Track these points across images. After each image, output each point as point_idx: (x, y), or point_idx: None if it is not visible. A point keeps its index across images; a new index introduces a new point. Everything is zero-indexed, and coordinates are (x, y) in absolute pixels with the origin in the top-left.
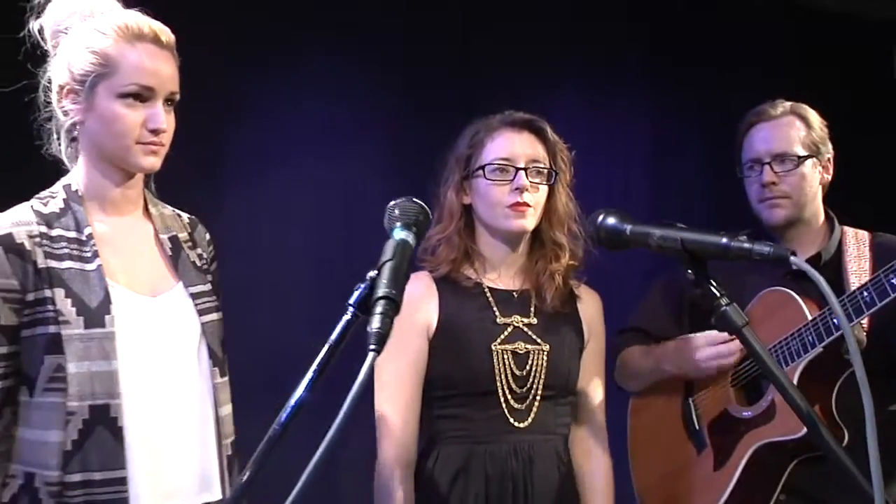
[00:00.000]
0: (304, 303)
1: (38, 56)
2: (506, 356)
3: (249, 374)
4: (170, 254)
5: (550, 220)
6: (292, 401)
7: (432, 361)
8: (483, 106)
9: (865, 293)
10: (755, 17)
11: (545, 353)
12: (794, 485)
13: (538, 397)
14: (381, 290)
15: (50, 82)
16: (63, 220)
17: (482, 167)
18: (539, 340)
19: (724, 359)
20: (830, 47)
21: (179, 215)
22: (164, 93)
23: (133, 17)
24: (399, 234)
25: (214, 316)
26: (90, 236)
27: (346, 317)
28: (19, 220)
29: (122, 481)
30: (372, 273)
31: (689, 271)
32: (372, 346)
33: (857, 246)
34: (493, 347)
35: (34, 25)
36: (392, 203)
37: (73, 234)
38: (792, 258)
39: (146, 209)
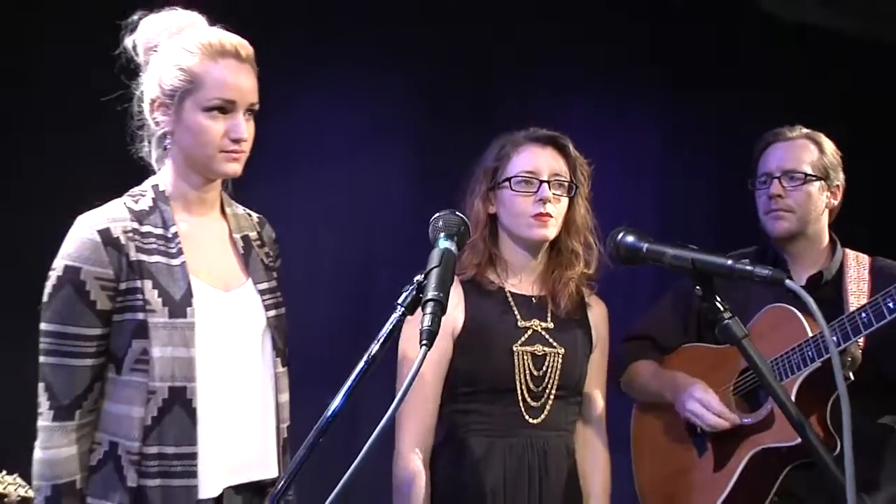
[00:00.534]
0: (323, 301)
1: (131, 69)
2: (525, 357)
3: None
4: (241, 252)
5: (569, 230)
6: (330, 410)
7: (457, 359)
8: (499, 114)
9: (864, 314)
10: (770, 36)
11: (560, 355)
12: (788, 489)
13: (552, 396)
14: (430, 293)
15: (142, 94)
16: (152, 217)
17: (508, 179)
18: (555, 344)
19: (705, 420)
20: (847, 70)
21: (250, 215)
22: (244, 105)
23: (216, 35)
24: (443, 243)
25: (277, 311)
26: (175, 234)
27: (396, 315)
28: (115, 217)
29: (193, 456)
30: (418, 277)
31: (697, 287)
32: (424, 342)
33: (857, 269)
34: (515, 349)
35: (128, 42)
36: (436, 215)
37: (160, 232)
38: (787, 282)
39: (222, 210)
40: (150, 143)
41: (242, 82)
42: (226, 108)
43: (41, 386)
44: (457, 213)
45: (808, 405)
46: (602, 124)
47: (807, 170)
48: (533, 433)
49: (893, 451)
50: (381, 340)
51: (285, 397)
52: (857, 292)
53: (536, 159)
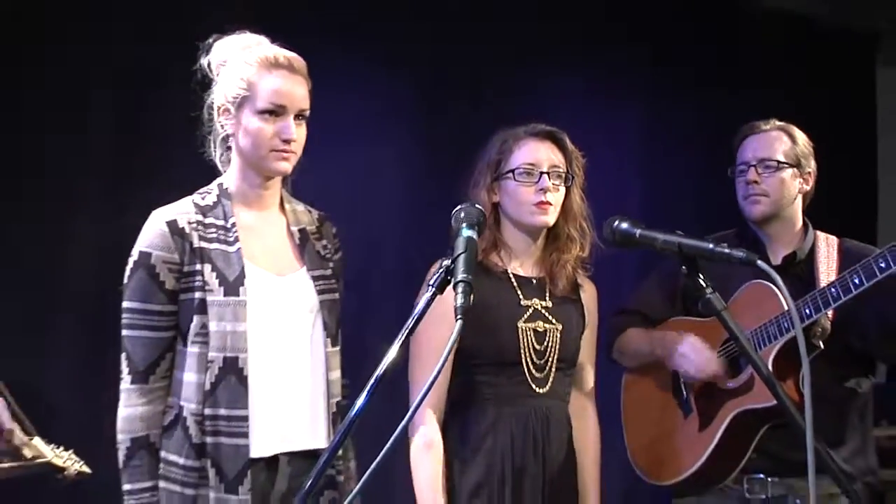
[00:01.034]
0: None
1: (205, 83)
2: (528, 333)
3: None
4: (297, 243)
5: (566, 217)
6: (355, 409)
7: (467, 335)
8: (490, 105)
9: (833, 289)
10: (750, 27)
11: (559, 331)
12: (764, 446)
13: (553, 369)
14: (461, 276)
15: (212, 103)
16: (215, 211)
17: (512, 171)
18: (553, 320)
19: (697, 367)
20: (819, 56)
21: (311, 211)
22: (294, 109)
23: (272, 50)
24: (466, 232)
25: (330, 296)
26: (233, 225)
27: (427, 295)
28: (182, 210)
29: (245, 419)
30: (446, 262)
31: (684, 267)
32: (459, 317)
33: (827, 249)
34: (519, 325)
35: (204, 60)
36: (458, 208)
37: (221, 223)
38: (759, 262)
39: (282, 206)
40: (215, 146)
41: (292, 90)
42: (277, 111)
43: (123, 355)
44: (476, 205)
45: (783, 371)
46: (587, 113)
47: (780, 158)
48: (537, 402)
49: (856, 409)
50: (415, 318)
51: (336, 375)
52: (827, 270)
53: (536, 152)
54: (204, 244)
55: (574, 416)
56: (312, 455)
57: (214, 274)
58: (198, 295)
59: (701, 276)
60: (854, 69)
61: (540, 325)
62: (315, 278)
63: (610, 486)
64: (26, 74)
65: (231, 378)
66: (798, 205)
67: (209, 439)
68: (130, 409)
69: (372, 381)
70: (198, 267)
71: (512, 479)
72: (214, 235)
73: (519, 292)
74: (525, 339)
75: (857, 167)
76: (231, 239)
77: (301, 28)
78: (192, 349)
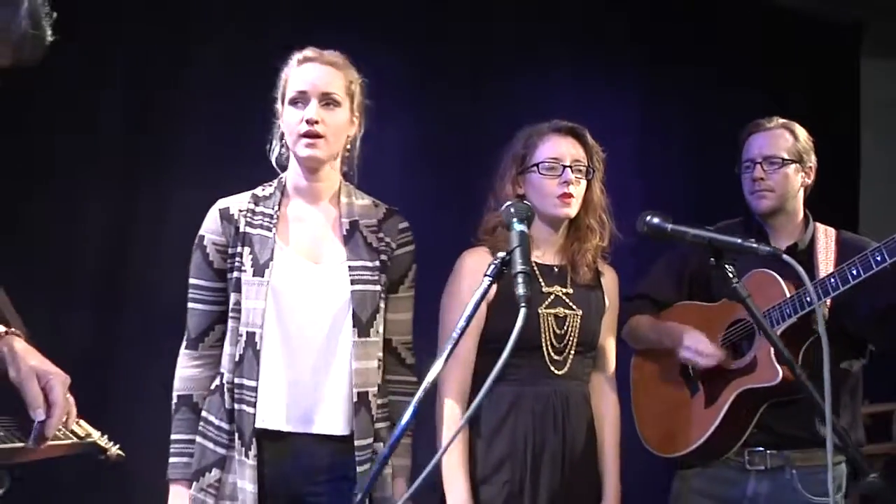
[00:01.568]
0: None
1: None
2: (549, 318)
3: None
4: (344, 234)
5: (586, 209)
6: (403, 421)
7: (491, 320)
8: (486, 92)
9: (832, 279)
10: (735, 19)
11: (578, 317)
12: (764, 422)
13: (572, 352)
14: (520, 267)
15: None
16: (268, 201)
17: (536, 164)
18: (574, 307)
19: (701, 357)
20: (803, 47)
21: (377, 205)
22: (316, 94)
23: (309, 50)
24: (518, 226)
25: (367, 287)
26: (277, 214)
27: (485, 284)
28: (238, 199)
29: (254, 389)
30: (502, 254)
31: (712, 259)
32: (523, 305)
33: (826, 240)
34: (540, 311)
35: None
36: (508, 203)
37: (269, 212)
38: (784, 256)
39: (338, 199)
40: (272, 148)
41: (315, 77)
42: (299, 99)
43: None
44: (525, 201)
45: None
46: (581, 105)
47: (784, 155)
48: (557, 383)
49: (848, 389)
50: (475, 305)
51: (362, 364)
52: (826, 260)
53: (560, 147)
54: (248, 229)
55: (594, 395)
56: (329, 440)
57: (251, 256)
58: (236, 274)
59: (728, 267)
60: (837, 60)
61: (560, 311)
62: (353, 268)
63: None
64: (36, 74)
65: (249, 351)
66: (800, 198)
67: (236, 406)
68: (181, 370)
69: (419, 393)
70: (239, 249)
71: (532, 458)
72: (259, 222)
73: (541, 280)
74: (546, 325)
75: (840, 156)
76: (270, 226)
77: (296, 18)
78: (230, 323)
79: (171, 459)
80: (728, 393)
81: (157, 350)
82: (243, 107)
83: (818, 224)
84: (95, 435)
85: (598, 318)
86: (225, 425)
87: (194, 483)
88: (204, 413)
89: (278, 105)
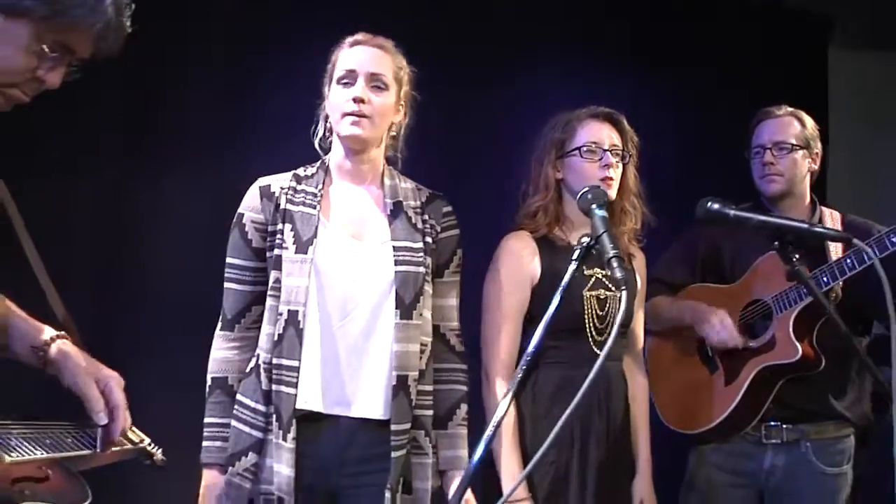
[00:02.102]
0: None
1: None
2: (592, 300)
3: None
4: (388, 214)
5: (622, 193)
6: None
7: (535, 304)
8: (473, 79)
9: (848, 260)
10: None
11: (618, 299)
12: (779, 397)
13: (613, 332)
14: (612, 252)
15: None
16: (311, 180)
17: (577, 148)
18: (613, 288)
19: (729, 336)
20: (774, 36)
21: (420, 189)
22: (363, 72)
23: (361, 34)
24: (599, 212)
25: (410, 268)
26: (320, 193)
27: (572, 268)
28: (279, 177)
29: (296, 369)
30: (585, 239)
31: (776, 243)
32: (623, 287)
33: (832, 223)
34: (584, 294)
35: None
36: (585, 189)
37: (311, 190)
38: (856, 241)
39: (382, 181)
40: (315, 130)
41: (362, 58)
42: (347, 78)
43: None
44: (599, 187)
45: (802, 331)
46: (570, 90)
47: (792, 141)
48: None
49: (856, 364)
50: (563, 288)
51: (403, 347)
52: (835, 243)
53: (599, 132)
54: (290, 206)
55: (627, 371)
56: (367, 423)
57: (292, 234)
58: (276, 252)
59: (790, 248)
60: (807, 50)
61: (602, 292)
62: (397, 249)
63: None
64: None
65: (291, 329)
66: (807, 182)
67: (274, 387)
68: (216, 351)
69: (490, 429)
70: (280, 227)
71: (581, 438)
72: (301, 200)
73: (582, 262)
74: (589, 307)
75: None
76: (313, 204)
77: (295, 15)
78: (269, 302)
79: (205, 443)
80: (748, 370)
81: (154, 345)
82: (244, 102)
83: (824, 207)
84: (146, 440)
85: (633, 297)
86: (262, 407)
87: (229, 468)
88: (239, 396)
89: (325, 87)
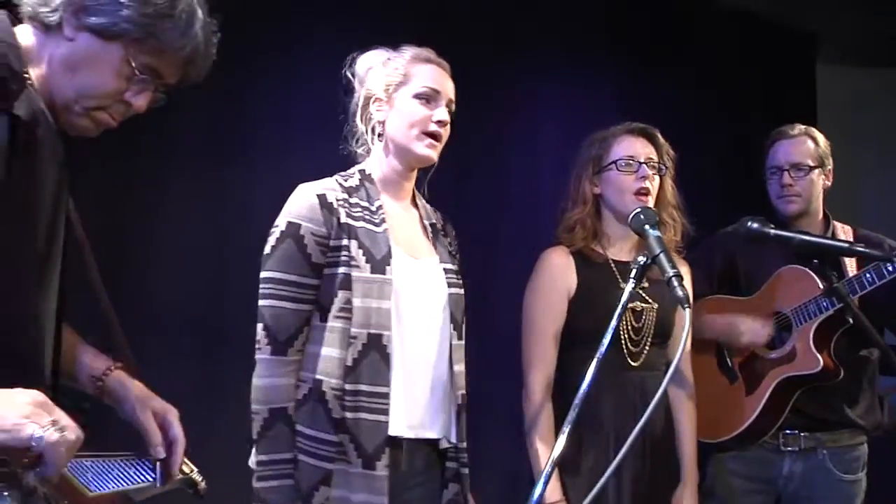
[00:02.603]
0: None
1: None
2: (627, 313)
3: None
4: (430, 235)
5: (660, 205)
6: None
7: (571, 316)
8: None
9: (868, 275)
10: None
11: (654, 310)
12: (796, 406)
13: (648, 343)
14: (671, 271)
15: (355, 105)
16: (359, 193)
17: (613, 162)
18: (650, 300)
19: (757, 336)
20: (763, 52)
21: (435, 211)
22: (445, 98)
23: (430, 52)
24: (654, 231)
25: (458, 290)
26: (380, 208)
27: (629, 287)
28: (328, 186)
29: (386, 395)
30: (641, 258)
31: (816, 261)
32: (686, 306)
33: (845, 237)
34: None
35: (348, 72)
36: (637, 210)
37: (365, 204)
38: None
39: (414, 199)
40: (355, 137)
41: (443, 81)
42: (430, 96)
43: (260, 326)
44: (650, 207)
45: (821, 342)
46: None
47: (809, 162)
48: (634, 374)
49: (868, 374)
50: (621, 308)
51: (460, 367)
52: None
53: (635, 146)
54: (350, 221)
55: (672, 385)
56: (430, 445)
57: (361, 251)
58: (343, 270)
59: (828, 268)
60: (796, 66)
61: (638, 305)
62: (446, 271)
63: None
64: None
65: (374, 354)
66: (821, 199)
67: (349, 415)
68: (269, 379)
69: (548, 467)
70: (344, 242)
71: (615, 446)
72: (360, 214)
73: (618, 276)
74: (624, 319)
75: None
76: (377, 220)
77: (293, 17)
78: (335, 324)
79: (271, 483)
80: (769, 380)
81: (152, 357)
82: (244, 105)
83: (836, 222)
84: (194, 470)
85: (672, 310)
86: (330, 436)
87: None
88: (298, 427)
89: (375, 92)
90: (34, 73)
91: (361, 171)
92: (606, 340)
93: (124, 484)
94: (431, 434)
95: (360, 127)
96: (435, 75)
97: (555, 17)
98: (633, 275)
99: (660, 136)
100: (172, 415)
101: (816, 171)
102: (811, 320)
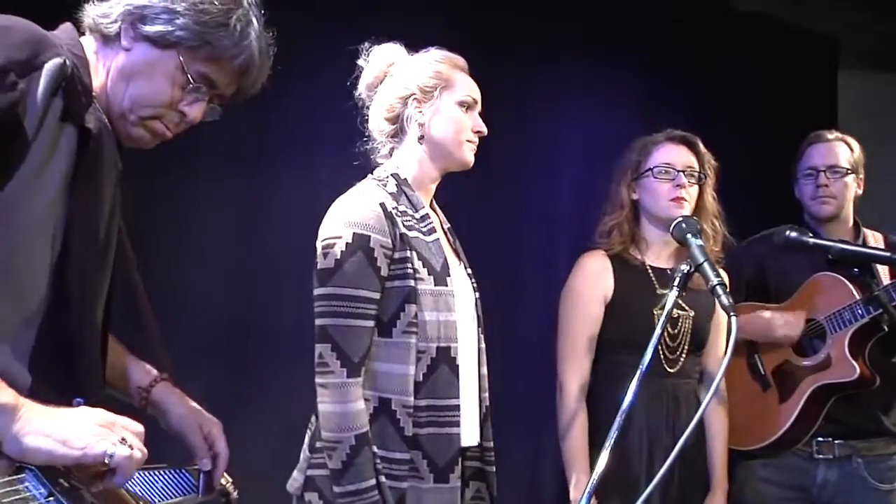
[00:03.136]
0: None
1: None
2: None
3: None
4: (451, 240)
5: (699, 214)
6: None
7: (608, 320)
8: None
9: None
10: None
11: (691, 317)
12: (830, 413)
13: (685, 351)
14: (715, 280)
15: (379, 104)
16: (401, 199)
17: (650, 169)
18: (686, 308)
19: (793, 329)
20: (783, 56)
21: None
22: (477, 107)
23: (457, 56)
24: (696, 241)
25: (478, 294)
26: (426, 215)
27: (673, 294)
28: (381, 194)
29: (457, 408)
30: (684, 267)
31: (856, 270)
32: (732, 314)
33: (875, 244)
34: (655, 312)
35: (362, 62)
36: (679, 219)
37: (412, 212)
38: None
39: (432, 204)
40: (371, 142)
41: (477, 90)
42: (471, 104)
43: (327, 346)
44: (692, 217)
45: (856, 349)
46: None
47: (845, 165)
48: (668, 381)
49: None
50: (665, 317)
51: (485, 370)
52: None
53: (673, 154)
54: (405, 231)
55: (704, 390)
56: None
57: (421, 263)
58: (408, 283)
59: (871, 274)
60: (817, 71)
61: (675, 311)
62: (469, 275)
63: None
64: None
65: (443, 368)
66: (852, 206)
67: (423, 431)
68: (350, 404)
69: (591, 482)
70: (407, 254)
71: (648, 452)
72: (411, 223)
73: (655, 282)
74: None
75: None
76: (426, 229)
77: (318, 23)
78: (401, 339)
79: None
80: (803, 388)
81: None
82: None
83: (865, 229)
84: (229, 481)
85: (709, 318)
86: (402, 455)
87: None
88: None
89: (413, 90)
90: (95, 84)
91: (394, 175)
92: (650, 351)
93: (172, 496)
94: (474, 440)
95: (384, 125)
96: (473, 84)
97: (575, 22)
98: (676, 283)
99: (701, 144)
100: (218, 428)
101: (851, 175)
102: (846, 328)
